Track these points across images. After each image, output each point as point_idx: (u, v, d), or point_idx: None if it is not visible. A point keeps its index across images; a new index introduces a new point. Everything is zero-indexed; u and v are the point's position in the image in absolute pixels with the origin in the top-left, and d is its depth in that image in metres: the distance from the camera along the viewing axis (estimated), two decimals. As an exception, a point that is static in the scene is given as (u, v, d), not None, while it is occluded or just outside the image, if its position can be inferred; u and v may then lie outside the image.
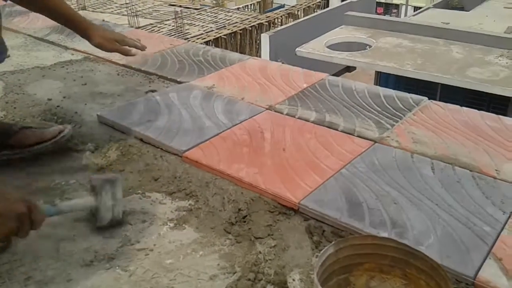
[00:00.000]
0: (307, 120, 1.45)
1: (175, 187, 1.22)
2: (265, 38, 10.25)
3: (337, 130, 1.39)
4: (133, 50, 1.46)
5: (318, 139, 1.34)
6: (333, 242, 0.82)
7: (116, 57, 1.71)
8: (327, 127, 1.41)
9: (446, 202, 1.06)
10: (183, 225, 1.10)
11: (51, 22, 2.50)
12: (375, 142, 1.32)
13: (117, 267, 0.98)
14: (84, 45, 2.09)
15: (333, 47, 9.16)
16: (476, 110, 1.46)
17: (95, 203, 1.05)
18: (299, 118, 1.47)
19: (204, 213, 1.13)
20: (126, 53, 1.45)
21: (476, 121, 1.41)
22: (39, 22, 2.54)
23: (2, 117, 1.55)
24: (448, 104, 1.49)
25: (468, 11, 12.31)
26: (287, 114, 1.50)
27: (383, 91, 1.60)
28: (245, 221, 1.09)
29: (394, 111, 1.47)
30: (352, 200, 1.08)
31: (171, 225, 1.10)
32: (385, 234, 0.97)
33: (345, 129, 1.39)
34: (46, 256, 1.01)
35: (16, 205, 0.91)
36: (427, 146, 1.29)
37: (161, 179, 1.25)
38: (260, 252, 1.00)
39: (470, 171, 1.17)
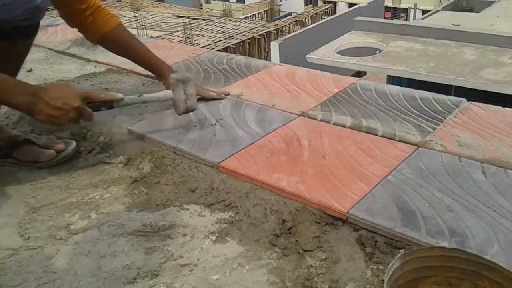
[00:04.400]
0: (343, 126, 1.40)
1: (214, 199, 1.17)
2: (274, 46, 10.26)
3: (376, 135, 1.34)
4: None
5: (358, 145, 1.29)
6: (399, 255, 0.77)
7: (139, 68, 1.68)
8: (365, 132, 1.36)
9: (504, 208, 1.01)
10: (226, 238, 1.06)
11: (71, 35, 2.51)
12: (419, 146, 1.26)
13: (161, 284, 0.94)
14: (106, 56, 2.09)
15: (343, 52, 9.13)
16: (520, 111, 1.40)
17: (172, 96, 1.36)
18: (334, 124, 1.42)
19: (246, 225, 1.08)
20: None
21: (522, 122, 1.35)
22: (58, 36, 2.53)
23: (29, 131, 1.53)
24: (489, 105, 1.44)
25: (477, 12, 12.22)
26: (321, 120, 1.45)
27: (418, 93, 1.55)
28: (290, 233, 1.04)
29: (434, 113, 1.42)
30: (404, 208, 1.02)
31: (213, 238, 1.06)
32: (444, 244, 0.91)
33: (384, 134, 1.34)
34: (88, 274, 0.97)
35: (72, 101, 1.18)
36: (474, 149, 1.23)
37: (198, 191, 1.21)
38: (311, 266, 0.95)
39: (524, 174, 1.12)
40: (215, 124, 1.45)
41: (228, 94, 1.66)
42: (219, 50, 9.95)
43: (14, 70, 1.35)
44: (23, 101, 1.14)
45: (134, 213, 1.14)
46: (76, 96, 1.20)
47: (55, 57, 2.23)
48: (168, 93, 1.38)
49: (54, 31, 2.59)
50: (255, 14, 18.60)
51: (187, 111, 1.37)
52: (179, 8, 16.50)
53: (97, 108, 1.29)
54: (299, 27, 13.40)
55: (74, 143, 1.40)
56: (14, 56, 1.33)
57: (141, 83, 1.86)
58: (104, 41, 1.55)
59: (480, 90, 7.01)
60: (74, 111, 1.19)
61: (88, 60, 2.15)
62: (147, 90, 1.81)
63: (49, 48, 2.33)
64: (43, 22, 2.79)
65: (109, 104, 1.31)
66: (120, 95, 1.32)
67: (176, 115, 1.51)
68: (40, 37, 2.48)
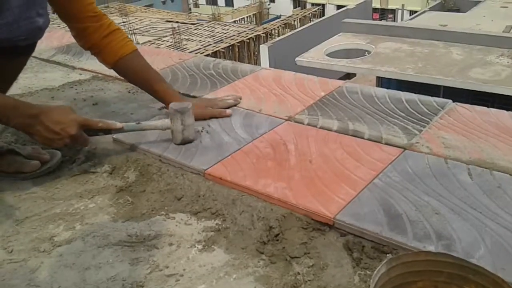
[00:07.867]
0: (329, 130, 1.40)
1: (200, 206, 1.16)
2: (264, 49, 10.28)
3: (362, 138, 1.34)
4: (228, 110, 1.54)
5: (344, 149, 1.29)
6: (384, 261, 0.76)
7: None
8: (352, 135, 1.36)
9: (490, 209, 1.01)
10: (212, 246, 1.04)
11: (55, 43, 2.49)
12: (405, 149, 1.26)
13: (147, 296, 0.92)
14: (92, 64, 2.07)
15: (332, 55, 9.17)
16: (505, 111, 1.41)
17: (170, 125, 1.34)
18: (321, 127, 1.42)
19: (233, 233, 1.07)
20: (221, 115, 1.52)
21: (507, 122, 1.35)
22: (43, 44, 2.50)
23: (13, 141, 1.50)
24: (475, 106, 1.44)
25: (464, 12, 12.35)
26: (308, 124, 1.44)
27: (404, 95, 1.55)
28: (277, 240, 1.03)
29: (420, 115, 1.42)
30: (390, 212, 1.02)
31: (200, 247, 1.04)
32: (431, 248, 0.91)
33: (371, 137, 1.34)
34: (72, 287, 0.95)
35: (70, 128, 1.22)
36: (460, 150, 1.23)
37: (184, 199, 1.19)
38: (298, 273, 0.94)
39: (510, 175, 1.12)
40: (201, 131, 1.44)
41: (241, 98, 1.63)
42: (208, 54, 9.97)
43: (7, 85, 1.33)
44: (21, 123, 1.20)
45: (120, 223, 1.13)
46: (74, 123, 1.23)
47: (40, 65, 2.20)
48: (166, 122, 1.36)
49: (39, 38, 2.56)
50: (244, 18, 18.62)
51: (184, 142, 1.36)
52: (168, 12, 16.48)
53: (94, 133, 1.32)
54: (288, 30, 13.45)
55: (59, 154, 1.38)
56: (10, 72, 1.31)
57: (126, 90, 1.84)
58: (119, 66, 1.47)
59: (468, 89, 7.08)
60: (69, 138, 1.23)
61: (73, 68, 2.12)
62: (134, 97, 1.79)
63: (33, 56, 2.29)
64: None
65: (107, 131, 1.34)
66: (119, 125, 1.33)
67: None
68: (25, 45, 2.45)
